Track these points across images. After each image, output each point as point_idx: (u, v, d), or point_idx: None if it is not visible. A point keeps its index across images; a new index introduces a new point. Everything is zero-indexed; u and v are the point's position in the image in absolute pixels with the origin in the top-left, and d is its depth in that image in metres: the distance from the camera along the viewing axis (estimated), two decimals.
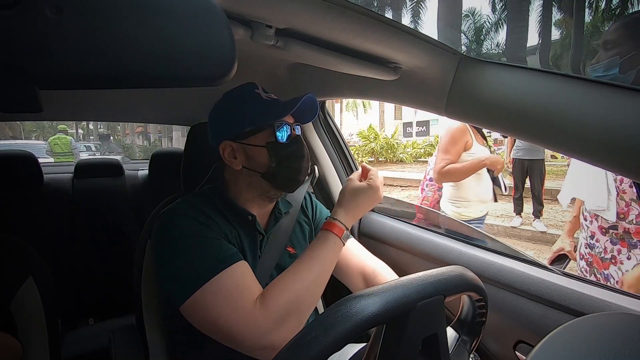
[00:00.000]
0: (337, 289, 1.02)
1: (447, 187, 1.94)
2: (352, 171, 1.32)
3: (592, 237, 1.36)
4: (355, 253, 0.92)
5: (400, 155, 11.62)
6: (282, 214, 0.87)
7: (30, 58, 0.25)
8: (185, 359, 0.79)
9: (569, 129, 0.52)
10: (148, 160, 1.90)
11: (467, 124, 1.71)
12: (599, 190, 1.29)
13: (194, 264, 0.66)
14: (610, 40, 0.76)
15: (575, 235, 1.51)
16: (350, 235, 0.97)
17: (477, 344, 0.57)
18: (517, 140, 4.41)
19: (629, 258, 1.25)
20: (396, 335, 0.41)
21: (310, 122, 1.24)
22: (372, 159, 11.77)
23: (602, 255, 1.31)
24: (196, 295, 0.64)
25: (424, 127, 13.58)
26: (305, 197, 0.95)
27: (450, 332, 0.56)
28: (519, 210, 4.68)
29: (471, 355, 0.57)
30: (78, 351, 1.33)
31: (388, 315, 0.39)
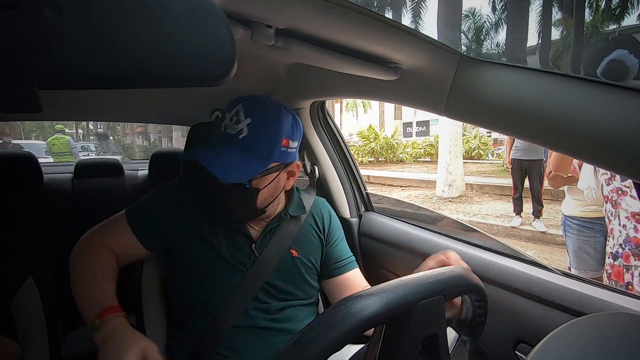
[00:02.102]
0: None
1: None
2: (351, 171, 1.32)
3: None
4: (353, 286, 0.93)
5: (400, 155, 11.61)
6: (287, 216, 0.88)
7: (30, 58, 0.25)
8: (182, 355, 0.79)
9: (569, 129, 0.52)
10: (148, 160, 1.90)
11: None
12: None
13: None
14: None
15: None
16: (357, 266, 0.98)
17: (477, 344, 0.57)
18: (515, 140, 4.42)
19: None
20: (396, 335, 0.41)
21: (311, 123, 1.24)
22: (372, 159, 11.77)
23: None
24: None
25: (424, 127, 13.56)
26: (322, 208, 0.97)
27: (450, 332, 0.56)
28: (518, 210, 4.68)
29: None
30: (78, 351, 1.33)
31: (388, 315, 0.39)
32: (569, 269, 1.82)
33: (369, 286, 0.92)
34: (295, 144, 0.79)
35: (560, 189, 1.84)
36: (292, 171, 0.82)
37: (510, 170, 4.77)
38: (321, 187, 1.32)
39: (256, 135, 0.73)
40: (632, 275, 1.15)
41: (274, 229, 0.86)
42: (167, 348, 0.85)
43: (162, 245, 0.83)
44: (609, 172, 1.21)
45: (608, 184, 1.20)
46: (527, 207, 4.66)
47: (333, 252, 0.93)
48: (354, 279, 0.93)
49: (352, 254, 0.95)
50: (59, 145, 7.24)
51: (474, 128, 11.26)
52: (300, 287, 0.87)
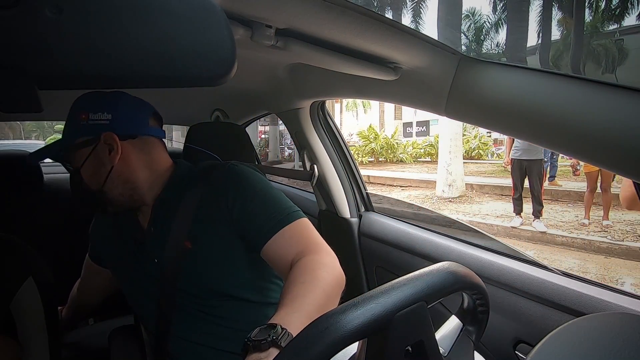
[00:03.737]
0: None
1: None
2: (351, 171, 1.32)
3: None
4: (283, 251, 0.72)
5: (400, 155, 11.60)
6: (160, 203, 0.78)
7: (30, 58, 0.25)
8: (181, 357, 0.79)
9: (569, 129, 0.52)
10: None
11: None
12: None
13: None
14: None
15: None
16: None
17: (483, 334, 0.56)
18: (515, 140, 4.42)
19: None
20: (378, 347, 0.41)
21: (311, 123, 1.24)
22: (372, 159, 11.77)
23: None
24: None
25: (424, 127, 13.57)
26: (223, 180, 0.77)
27: (455, 321, 0.55)
28: (518, 210, 4.68)
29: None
30: (78, 351, 1.33)
31: (365, 330, 0.38)
32: None
33: (313, 242, 0.71)
34: (100, 116, 0.74)
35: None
36: (110, 144, 0.73)
37: (509, 170, 4.78)
38: (321, 187, 1.32)
39: (68, 118, 0.77)
40: None
41: (158, 220, 0.78)
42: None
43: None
44: None
45: None
46: (527, 207, 4.67)
47: (249, 221, 0.73)
48: (280, 243, 0.70)
49: (286, 206, 0.74)
50: None
51: (474, 128, 11.25)
52: (220, 284, 0.75)
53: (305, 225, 0.73)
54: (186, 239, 0.75)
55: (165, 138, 0.84)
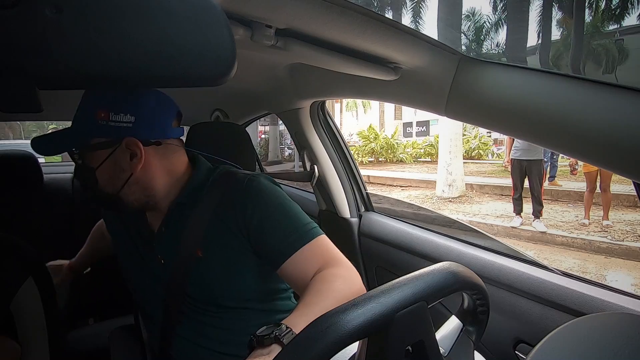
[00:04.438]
0: None
1: None
2: (351, 171, 1.32)
3: None
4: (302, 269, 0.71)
5: (400, 155, 11.60)
6: (176, 207, 0.75)
7: (30, 58, 0.25)
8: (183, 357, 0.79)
9: (569, 129, 0.52)
10: None
11: None
12: None
13: None
14: None
15: None
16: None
17: (483, 334, 0.56)
18: (515, 140, 4.42)
19: None
20: (378, 346, 0.41)
21: (311, 123, 1.24)
22: (372, 159, 11.77)
23: None
24: None
25: (424, 127, 13.57)
26: (236, 194, 0.74)
27: (455, 321, 0.55)
28: (518, 210, 4.69)
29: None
30: (78, 351, 1.33)
31: (366, 330, 0.38)
32: None
33: (333, 257, 0.71)
34: (123, 118, 0.67)
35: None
36: (132, 151, 0.69)
37: (509, 170, 4.78)
38: (321, 187, 1.32)
39: (78, 110, 0.70)
40: None
41: (171, 222, 0.76)
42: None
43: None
44: None
45: None
46: (527, 207, 4.67)
47: (267, 239, 0.71)
48: (300, 261, 0.69)
49: (305, 222, 0.73)
50: None
51: (474, 128, 11.25)
52: (227, 294, 0.74)
53: (324, 242, 0.72)
54: (197, 246, 0.73)
55: (183, 136, 0.79)
